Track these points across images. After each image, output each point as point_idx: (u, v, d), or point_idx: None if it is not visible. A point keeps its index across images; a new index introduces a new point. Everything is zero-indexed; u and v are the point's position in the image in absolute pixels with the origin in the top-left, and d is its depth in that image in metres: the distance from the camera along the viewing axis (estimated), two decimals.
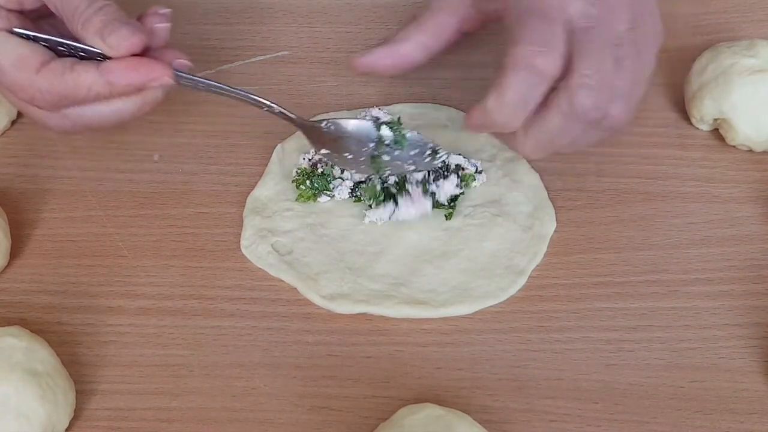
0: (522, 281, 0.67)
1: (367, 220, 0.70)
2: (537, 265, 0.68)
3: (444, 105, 0.78)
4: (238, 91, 0.67)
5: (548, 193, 0.72)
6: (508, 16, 0.65)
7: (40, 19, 0.65)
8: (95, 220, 0.71)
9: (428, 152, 0.70)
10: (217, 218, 0.71)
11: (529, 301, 0.67)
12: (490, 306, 0.66)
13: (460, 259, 0.68)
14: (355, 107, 0.77)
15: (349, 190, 0.70)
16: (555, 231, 0.70)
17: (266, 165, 0.73)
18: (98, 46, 0.62)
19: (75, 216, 0.71)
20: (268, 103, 0.68)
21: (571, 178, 0.73)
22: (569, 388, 0.62)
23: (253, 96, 0.67)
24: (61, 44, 0.63)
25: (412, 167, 0.69)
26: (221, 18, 0.83)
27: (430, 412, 0.58)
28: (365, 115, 0.73)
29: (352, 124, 0.70)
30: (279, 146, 0.74)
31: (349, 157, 0.70)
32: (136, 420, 0.61)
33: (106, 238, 0.70)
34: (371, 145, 0.70)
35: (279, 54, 0.81)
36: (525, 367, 0.63)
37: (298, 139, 0.73)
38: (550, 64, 0.61)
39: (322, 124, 0.70)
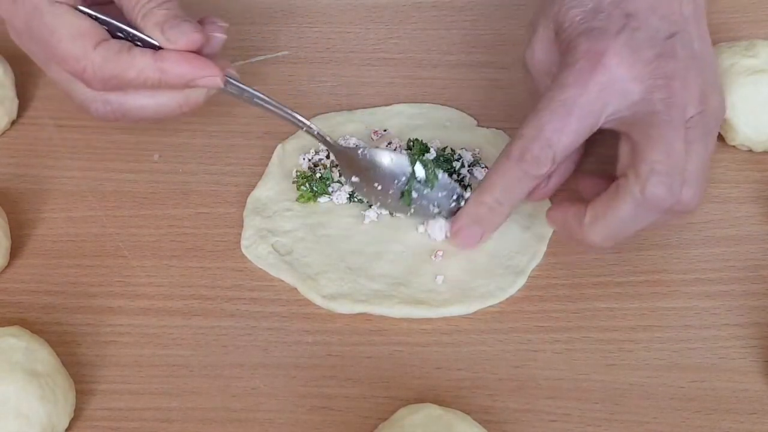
0: (522, 281, 0.67)
1: (367, 220, 0.70)
2: (537, 265, 0.68)
3: (444, 105, 0.78)
4: (281, 108, 0.67)
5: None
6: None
7: (96, 5, 0.65)
8: (95, 220, 0.71)
9: (455, 197, 0.68)
10: (217, 218, 0.71)
11: (529, 301, 0.67)
12: (490, 306, 0.66)
13: (460, 258, 0.68)
14: (354, 107, 0.77)
15: (348, 195, 0.70)
16: (555, 231, 0.70)
17: (266, 165, 0.73)
18: (157, 38, 0.63)
19: (75, 216, 0.71)
20: (308, 123, 0.67)
21: (571, 178, 0.72)
22: (569, 388, 0.62)
23: (294, 114, 0.67)
24: (120, 30, 0.64)
25: (437, 210, 0.68)
26: (222, 18, 0.83)
27: (430, 412, 0.58)
28: (393, 146, 0.72)
29: (388, 157, 0.68)
30: (279, 146, 0.74)
31: (379, 188, 0.68)
32: (136, 420, 0.61)
33: (106, 238, 0.70)
34: (403, 179, 0.69)
35: (279, 54, 0.81)
36: (525, 367, 0.63)
37: (299, 140, 0.73)
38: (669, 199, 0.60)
39: (358, 152, 0.69)
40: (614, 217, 0.61)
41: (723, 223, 0.70)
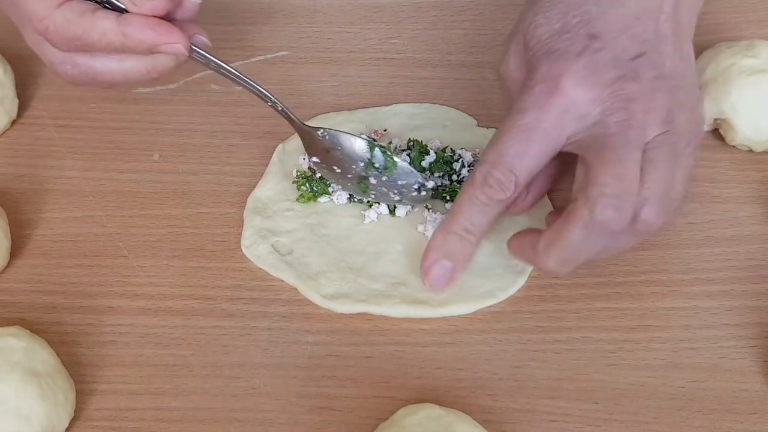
0: (522, 281, 0.67)
1: (367, 220, 0.70)
2: None
3: (444, 105, 0.78)
4: (246, 80, 0.67)
5: (547, 194, 0.71)
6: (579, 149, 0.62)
7: None
8: (95, 220, 0.71)
9: (416, 185, 0.69)
10: (217, 218, 0.71)
11: (529, 301, 0.67)
12: (490, 306, 0.66)
13: None
14: (354, 107, 0.77)
15: (348, 195, 0.70)
16: None
17: (266, 165, 0.73)
18: (122, 1, 0.62)
19: (75, 216, 0.71)
20: (273, 98, 0.68)
21: (571, 178, 0.72)
22: (569, 388, 0.62)
23: (259, 88, 0.67)
24: None
25: (398, 197, 0.69)
26: (221, 18, 0.83)
27: (430, 412, 0.58)
28: (394, 146, 0.73)
29: (347, 139, 0.70)
30: (280, 146, 0.74)
31: (338, 171, 0.70)
32: (136, 420, 0.61)
33: (106, 238, 0.70)
34: (361, 164, 0.70)
35: (279, 54, 0.81)
36: (525, 367, 0.63)
37: (299, 140, 0.73)
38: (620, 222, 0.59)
39: (319, 132, 0.70)
40: (566, 242, 0.60)
41: (723, 223, 0.70)
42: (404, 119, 0.76)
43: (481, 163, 0.63)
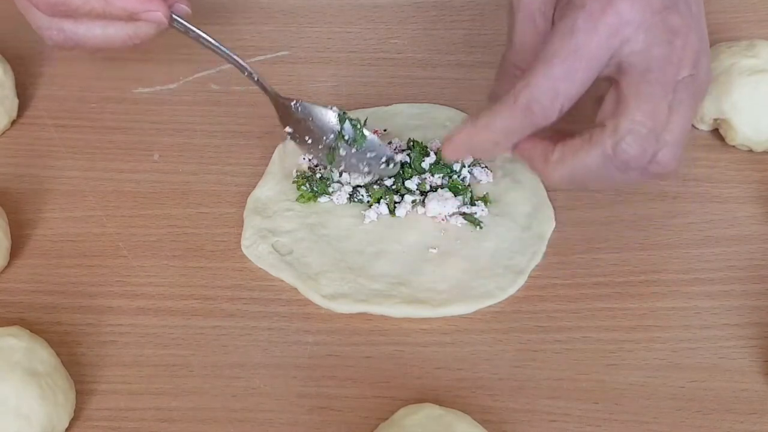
0: (521, 281, 0.67)
1: (367, 220, 0.70)
2: (537, 265, 0.68)
3: (444, 105, 0.78)
4: (224, 50, 0.69)
5: (548, 193, 0.72)
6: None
7: None
8: (95, 220, 0.71)
9: (384, 159, 0.70)
10: (217, 218, 0.71)
11: (529, 301, 0.67)
12: (490, 306, 0.66)
13: (460, 258, 0.68)
14: (354, 107, 0.77)
15: (348, 195, 0.70)
16: (554, 231, 0.70)
17: (266, 165, 0.73)
18: None
19: (75, 216, 0.71)
20: (249, 69, 0.70)
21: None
22: (569, 388, 0.62)
23: (236, 58, 0.70)
24: None
25: (366, 170, 0.70)
26: (221, 18, 0.83)
27: (430, 412, 0.58)
28: (394, 145, 0.73)
29: (318, 111, 0.71)
30: (280, 146, 0.74)
31: (309, 141, 0.71)
32: (136, 420, 0.61)
33: (106, 238, 0.70)
34: (332, 136, 0.71)
35: (279, 54, 0.81)
36: (525, 367, 0.63)
37: None
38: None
39: (292, 103, 0.71)
40: (581, 162, 0.60)
41: (723, 223, 0.70)
42: (404, 119, 0.76)
43: (526, 85, 0.60)
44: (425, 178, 0.70)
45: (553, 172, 0.62)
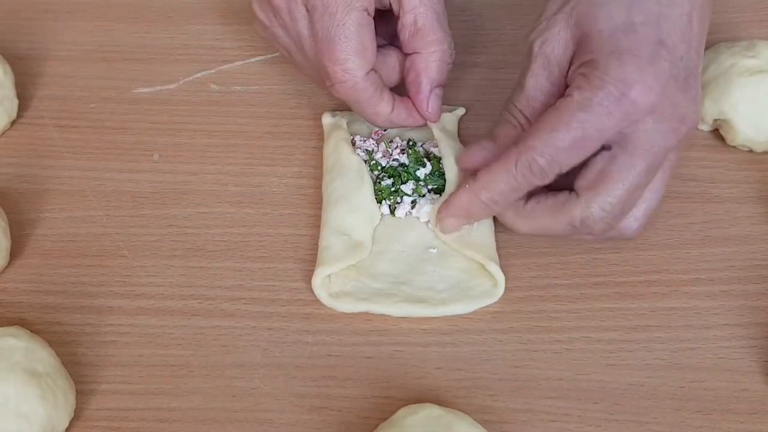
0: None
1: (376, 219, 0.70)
2: (537, 265, 0.68)
3: (444, 105, 0.77)
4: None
5: None
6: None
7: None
8: (95, 220, 0.71)
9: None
10: (217, 218, 0.71)
11: (529, 301, 0.67)
12: (490, 306, 0.66)
13: (459, 257, 0.68)
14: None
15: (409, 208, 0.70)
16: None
17: (266, 165, 0.73)
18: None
19: (75, 216, 0.71)
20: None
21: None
22: (569, 388, 0.62)
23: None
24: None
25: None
26: (221, 18, 0.83)
27: (430, 412, 0.58)
28: (395, 145, 0.73)
29: None
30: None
31: None
32: (136, 420, 0.61)
33: (106, 238, 0.70)
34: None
35: (279, 54, 0.81)
36: (525, 367, 0.63)
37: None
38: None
39: None
40: (547, 222, 0.64)
41: (723, 223, 0.70)
42: None
43: (527, 148, 0.61)
44: (421, 184, 0.70)
45: (523, 223, 0.65)
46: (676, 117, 0.61)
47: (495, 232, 0.69)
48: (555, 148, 0.61)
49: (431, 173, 0.70)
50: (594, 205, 0.62)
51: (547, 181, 0.62)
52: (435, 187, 0.70)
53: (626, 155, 0.61)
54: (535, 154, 0.61)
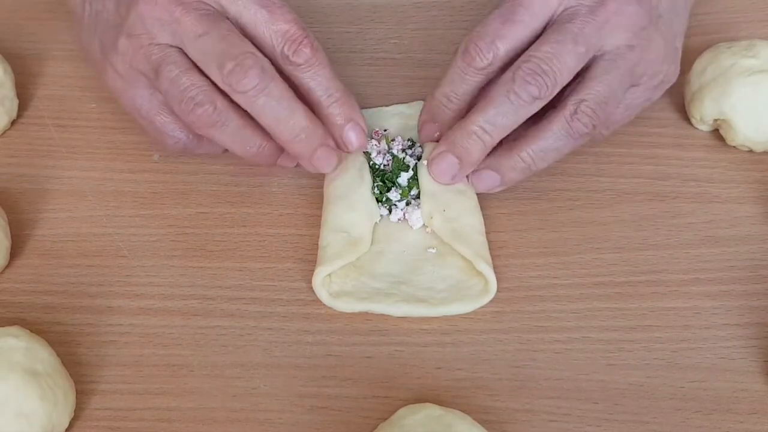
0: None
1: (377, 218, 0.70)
2: (537, 265, 0.68)
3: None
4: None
5: (548, 193, 0.72)
6: None
7: None
8: (95, 220, 0.71)
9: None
10: (217, 218, 0.71)
11: (529, 301, 0.67)
12: (490, 306, 0.66)
13: (458, 257, 0.68)
14: None
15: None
16: (554, 231, 0.70)
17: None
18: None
19: (75, 216, 0.71)
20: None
21: (571, 178, 0.73)
22: (569, 388, 0.62)
23: None
24: None
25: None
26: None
27: (430, 412, 0.58)
28: (396, 144, 0.73)
29: None
30: None
31: None
32: (136, 420, 0.61)
33: (106, 238, 0.70)
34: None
35: None
36: (525, 367, 0.63)
37: None
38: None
39: None
40: (542, 147, 0.66)
41: (723, 223, 0.70)
42: (404, 119, 0.76)
43: (466, 35, 0.67)
44: (406, 189, 0.70)
45: (511, 172, 0.67)
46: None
47: (494, 232, 0.69)
48: (487, 26, 0.66)
49: (413, 178, 0.70)
50: (584, 107, 0.65)
51: (485, 61, 0.65)
52: (419, 192, 0.69)
53: (605, 67, 0.66)
54: (471, 35, 0.66)
